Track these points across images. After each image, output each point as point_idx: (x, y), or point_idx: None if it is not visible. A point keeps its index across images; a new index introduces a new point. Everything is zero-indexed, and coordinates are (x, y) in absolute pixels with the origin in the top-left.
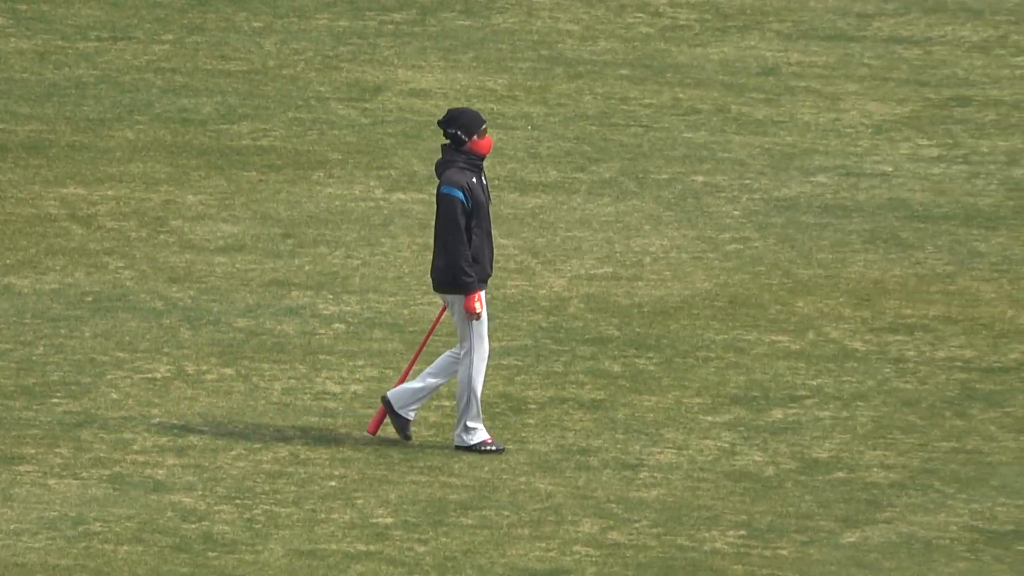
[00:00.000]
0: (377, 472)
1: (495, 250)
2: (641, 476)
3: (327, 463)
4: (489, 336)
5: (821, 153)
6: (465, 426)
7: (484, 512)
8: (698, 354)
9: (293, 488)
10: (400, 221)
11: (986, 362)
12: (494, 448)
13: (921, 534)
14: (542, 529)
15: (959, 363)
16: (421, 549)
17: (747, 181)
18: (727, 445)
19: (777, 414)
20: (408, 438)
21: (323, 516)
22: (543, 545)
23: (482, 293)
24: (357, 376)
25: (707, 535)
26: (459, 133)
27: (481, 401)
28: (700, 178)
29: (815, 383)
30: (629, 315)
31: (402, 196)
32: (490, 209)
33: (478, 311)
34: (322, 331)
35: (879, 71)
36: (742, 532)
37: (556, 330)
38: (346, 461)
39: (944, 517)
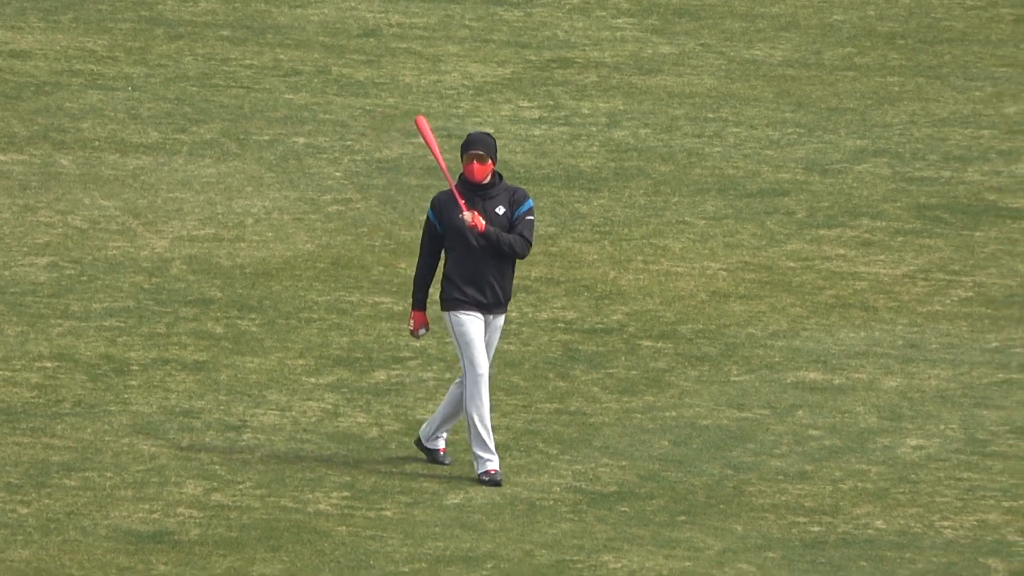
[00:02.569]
0: None
1: (508, 279)
2: (244, 438)
3: None
4: (476, 361)
5: (423, 114)
6: (475, 454)
7: (87, 474)
8: (301, 315)
9: None
10: (0, 182)
11: (588, 324)
12: (487, 480)
13: (525, 495)
14: (145, 491)
15: (562, 324)
16: (24, 511)
17: (349, 142)
18: (330, 407)
19: (380, 375)
20: (447, 463)
21: None
22: (146, 507)
23: (456, 315)
24: None
25: (311, 496)
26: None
27: (487, 427)
28: (301, 139)
29: (418, 344)
30: (231, 276)
31: (1, 157)
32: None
33: (410, 329)
34: None
35: (480, 33)
36: (346, 493)
37: (158, 291)
38: None
39: (548, 478)
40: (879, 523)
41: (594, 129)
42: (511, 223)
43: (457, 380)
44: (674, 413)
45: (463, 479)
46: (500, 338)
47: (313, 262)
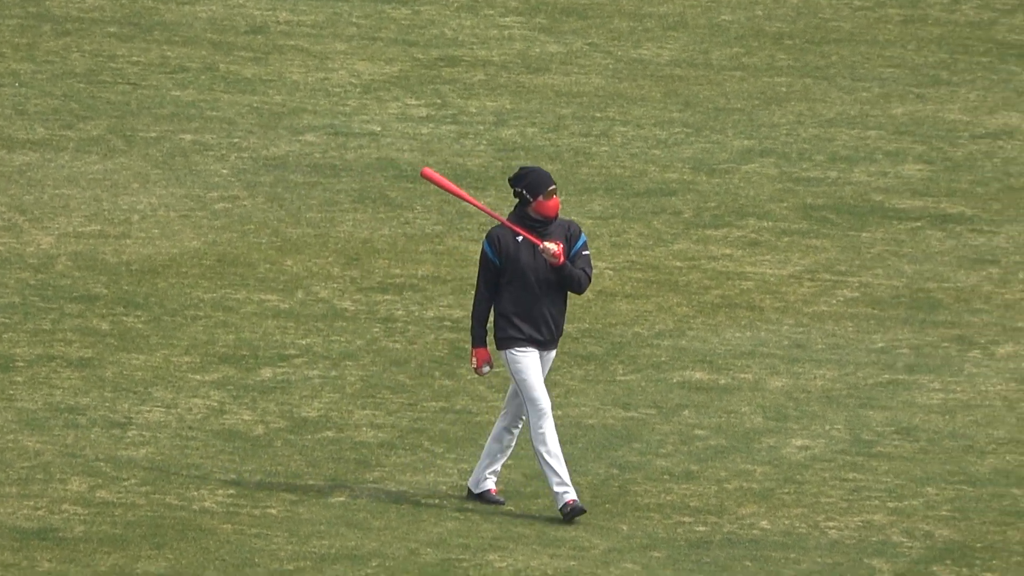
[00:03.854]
0: None
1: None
2: (130, 434)
3: None
4: (538, 398)
5: (310, 112)
6: (553, 492)
7: None
8: (187, 312)
9: None
10: None
11: None
12: (569, 511)
13: (410, 494)
14: (30, 487)
15: (448, 323)
16: None
17: (236, 140)
18: (216, 404)
19: (266, 373)
20: (501, 503)
21: None
22: (31, 503)
23: (513, 353)
24: None
25: (196, 494)
26: (524, 192)
27: (559, 458)
28: (188, 136)
29: (304, 342)
30: (117, 273)
31: None
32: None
33: (474, 367)
34: None
35: (367, 31)
36: (231, 491)
37: (44, 288)
38: None
39: (433, 477)
40: (764, 523)
41: (481, 128)
42: (570, 257)
43: (500, 415)
44: (560, 412)
45: (348, 478)
46: (385, 335)
47: (199, 259)
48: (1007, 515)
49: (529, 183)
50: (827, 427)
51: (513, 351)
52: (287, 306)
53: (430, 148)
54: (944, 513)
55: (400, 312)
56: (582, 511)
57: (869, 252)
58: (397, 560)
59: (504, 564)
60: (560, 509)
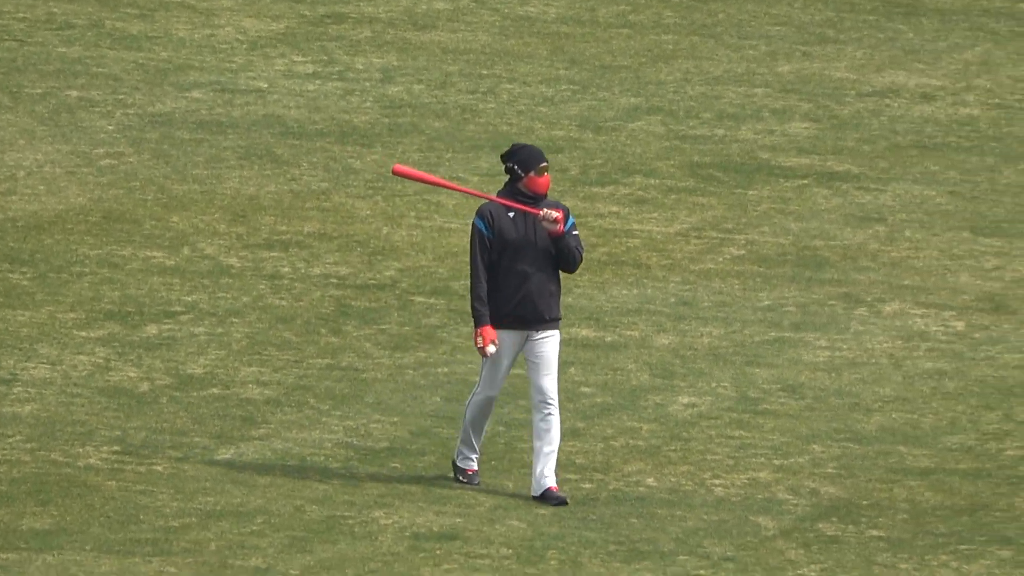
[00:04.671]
0: None
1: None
2: (15, 391)
3: None
4: (493, 383)
5: (196, 69)
6: (459, 450)
7: None
8: (72, 269)
9: None
10: None
11: (361, 279)
12: (463, 479)
13: (296, 451)
14: None
15: (334, 280)
16: None
17: (121, 96)
18: (101, 360)
19: (152, 330)
20: (564, 500)
21: None
22: None
23: (506, 334)
24: None
25: (81, 451)
26: (516, 168)
27: (477, 440)
28: (74, 93)
29: (190, 299)
30: (3, 229)
31: None
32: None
33: (480, 346)
34: None
35: None
36: (116, 448)
37: None
38: None
39: (319, 434)
40: (650, 481)
41: (368, 84)
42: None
43: (535, 414)
44: (446, 369)
45: (233, 435)
46: (272, 292)
47: (85, 216)
48: (893, 472)
49: (521, 159)
50: (713, 385)
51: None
52: (173, 263)
53: (317, 105)
54: (830, 471)
55: (286, 269)
56: (476, 484)
57: (756, 210)
58: (282, 517)
59: (390, 521)
60: (457, 471)
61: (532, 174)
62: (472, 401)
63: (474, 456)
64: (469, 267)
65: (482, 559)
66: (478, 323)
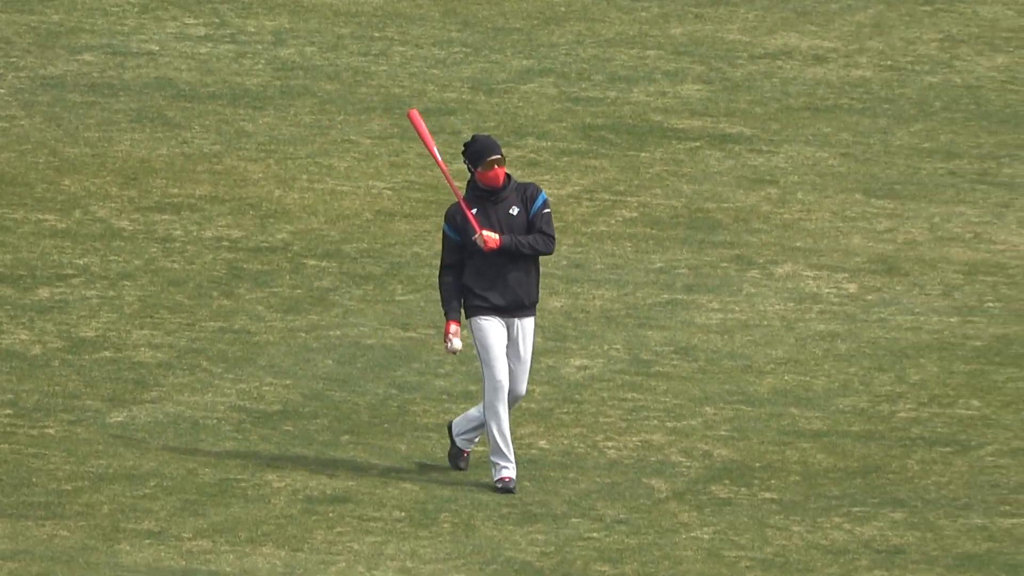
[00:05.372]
0: None
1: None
2: None
3: None
4: (494, 367)
5: (88, 32)
6: (492, 461)
7: None
8: None
9: None
10: None
11: (253, 242)
12: (501, 487)
13: (188, 413)
14: None
15: (226, 243)
16: None
17: (13, 59)
18: None
19: (43, 293)
20: (461, 468)
21: None
22: None
23: (476, 320)
24: None
25: None
26: (466, 162)
27: (505, 436)
28: None
29: (82, 262)
30: None
31: None
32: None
33: (446, 343)
34: None
35: None
36: (8, 411)
37: None
38: None
39: (212, 397)
40: (543, 443)
41: (260, 47)
42: (529, 221)
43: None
44: (338, 332)
45: (126, 398)
46: (163, 255)
47: None
48: (785, 434)
49: (471, 153)
50: (606, 347)
51: (478, 319)
52: (64, 226)
53: (208, 68)
54: (723, 433)
55: (178, 232)
56: (512, 491)
57: (648, 172)
58: (175, 480)
59: (283, 484)
60: (496, 482)
61: (480, 169)
62: (486, 402)
63: (510, 464)
64: (441, 265)
65: (375, 522)
66: (448, 318)
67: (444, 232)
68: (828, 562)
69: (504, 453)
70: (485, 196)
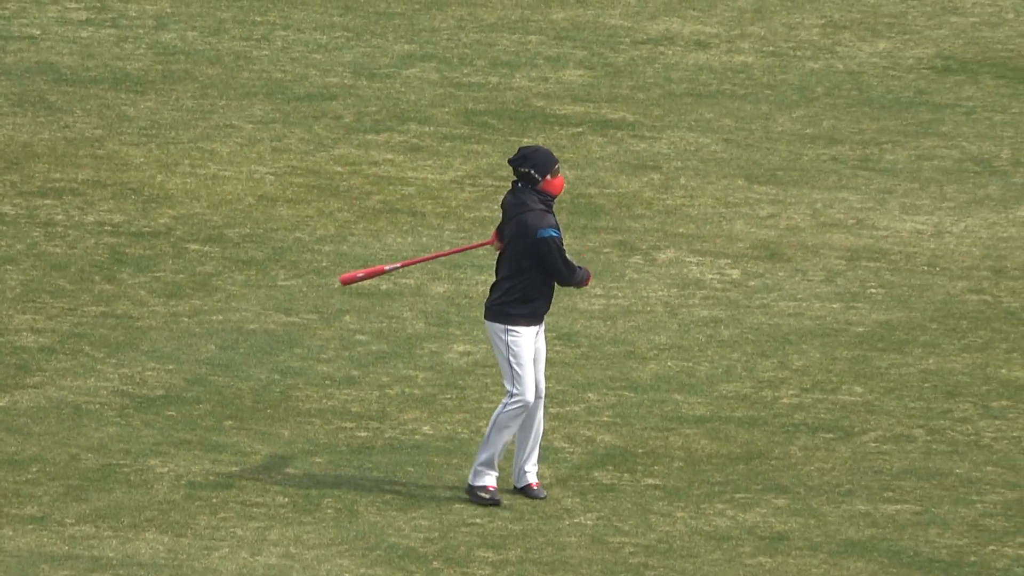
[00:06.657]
0: None
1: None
2: None
3: None
4: (526, 382)
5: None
6: (478, 467)
7: None
8: None
9: None
10: None
11: (136, 227)
12: (488, 498)
13: (71, 399)
14: None
15: (109, 227)
16: None
17: None
18: None
19: None
20: (543, 497)
21: None
22: None
23: (520, 329)
24: None
25: None
26: (532, 172)
27: (502, 454)
28: None
29: None
30: None
31: None
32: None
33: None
34: None
35: None
36: None
37: None
38: None
39: (94, 382)
40: (426, 428)
41: (141, 31)
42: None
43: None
44: (221, 317)
45: (8, 383)
46: (46, 239)
47: None
48: (668, 420)
49: (537, 162)
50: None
51: (516, 327)
52: None
53: (90, 52)
54: (606, 419)
55: (60, 216)
56: (496, 503)
57: None
58: (58, 465)
59: (165, 470)
60: (478, 488)
61: (549, 177)
62: (506, 414)
63: (494, 474)
64: (566, 272)
65: (258, 507)
66: (587, 274)
67: (558, 239)
68: (711, 548)
69: (495, 466)
70: (546, 201)
